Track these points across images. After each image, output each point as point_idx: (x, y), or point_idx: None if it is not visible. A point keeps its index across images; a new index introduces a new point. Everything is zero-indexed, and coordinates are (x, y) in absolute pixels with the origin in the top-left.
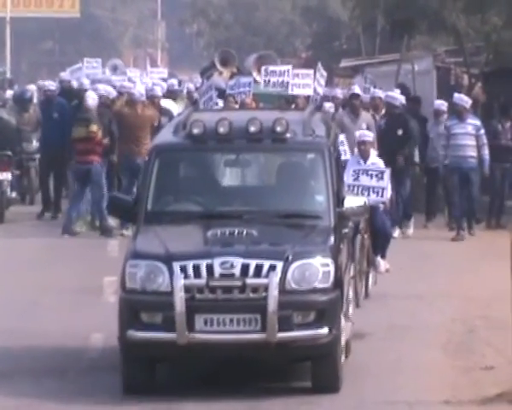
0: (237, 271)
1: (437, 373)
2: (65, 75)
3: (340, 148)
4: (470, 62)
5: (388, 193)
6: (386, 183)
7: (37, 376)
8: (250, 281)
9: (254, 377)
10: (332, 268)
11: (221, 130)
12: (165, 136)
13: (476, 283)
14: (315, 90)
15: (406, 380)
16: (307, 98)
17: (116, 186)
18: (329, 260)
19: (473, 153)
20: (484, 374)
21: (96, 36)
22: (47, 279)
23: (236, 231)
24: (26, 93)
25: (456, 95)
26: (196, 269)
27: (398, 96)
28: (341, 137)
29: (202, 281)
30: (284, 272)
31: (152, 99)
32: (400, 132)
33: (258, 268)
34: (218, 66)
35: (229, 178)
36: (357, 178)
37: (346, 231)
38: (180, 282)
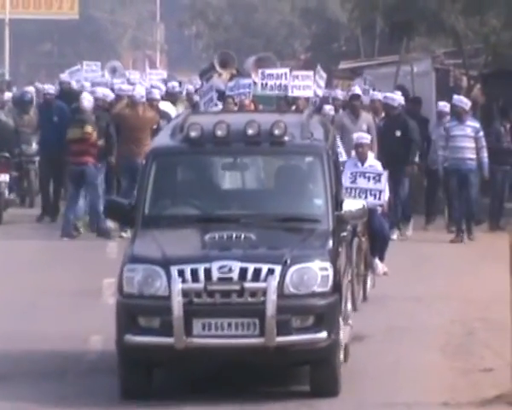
0: (235, 275)
1: (436, 375)
2: (64, 77)
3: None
4: (469, 64)
5: (386, 195)
6: (384, 185)
7: (36, 378)
8: (248, 285)
9: (253, 381)
10: (331, 272)
11: (219, 133)
12: (163, 139)
13: (475, 285)
14: (314, 92)
15: (405, 382)
16: (308, 100)
17: (116, 188)
18: (328, 264)
19: (471, 155)
20: (483, 376)
21: (95, 38)
22: (46, 281)
23: (234, 235)
24: (26, 95)
25: (455, 97)
26: (194, 273)
27: (396, 97)
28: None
29: (200, 285)
30: (283, 276)
31: (150, 102)
32: (399, 134)
33: (257, 272)
34: (218, 68)
35: (226, 181)
36: (354, 181)
37: (344, 234)
38: (178, 286)
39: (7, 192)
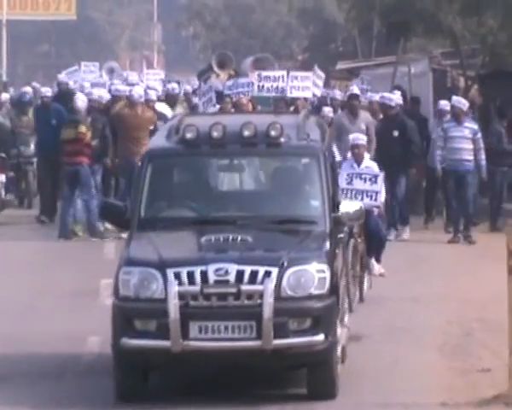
0: (232, 277)
1: (433, 376)
2: (62, 77)
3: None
4: (466, 64)
5: (382, 197)
6: (380, 186)
7: (33, 379)
8: (245, 288)
9: (250, 384)
10: (328, 274)
11: (215, 134)
12: (158, 141)
13: (473, 285)
14: (312, 93)
15: (403, 382)
16: (306, 100)
17: (114, 189)
18: (325, 266)
19: (469, 156)
20: (480, 376)
21: (93, 38)
22: (43, 282)
23: (231, 237)
24: (24, 96)
25: (454, 97)
26: (190, 276)
27: (393, 97)
28: None
29: (196, 288)
30: (279, 279)
31: (147, 103)
32: (396, 134)
33: (253, 275)
34: (216, 68)
35: (223, 183)
36: (350, 182)
37: (341, 236)
38: (174, 289)
39: (3, 193)
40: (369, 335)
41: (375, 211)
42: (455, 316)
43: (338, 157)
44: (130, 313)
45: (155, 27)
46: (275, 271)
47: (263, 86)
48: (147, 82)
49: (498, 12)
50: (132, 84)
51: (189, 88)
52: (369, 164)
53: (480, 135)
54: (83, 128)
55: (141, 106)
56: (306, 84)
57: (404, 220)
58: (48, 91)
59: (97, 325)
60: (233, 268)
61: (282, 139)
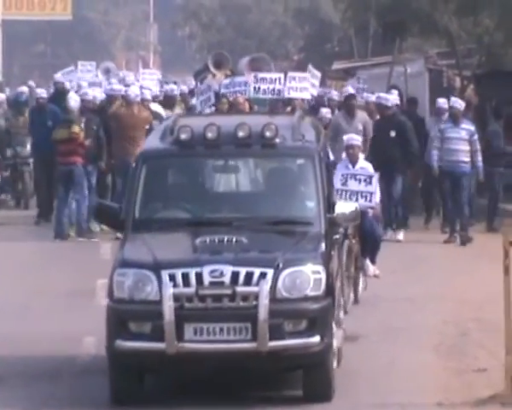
0: (227, 279)
1: (430, 376)
2: (58, 77)
3: None
4: (462, 64)
5: (377, 197)
6: (375, 187)
7: (29, 380)
8: (240, 289)
9: (245, 386)
10: (323, 276)
11: (209, 135)
12: (153, 142)
13: (469, 285)
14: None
15: (399, 383)
16: (304, 100)
17: (111, 189)
18: (321, 268)
19: (465, 158)
20: (477, 376)
21: (89, 39)
22: (40, 283)
23: (226, 239)
24: (21, 96)
25: (453, 98)
26: (185, 277)
27: (389, 97)
28: None
29: (191, 290)
30: (275, 280)
31: (142, 102)
32: (393, 134)
33: (249, 276)
34: (212, 68)
35: (217, 184)
36: (345, 183)
37: (337, 237)
38: (169, 290)
39: None
40: (365, 335)
41: (370, 212)
42: (451, 316)
43: (331, 157)
44: (125, 315)
45: (151, 27)
46: (270, 272)
47: (259, 88)
48: (142, 82)
49: (494, 12)
50: (128, 85)
51: (184, 88)
52: (363, 165)
53: (476, 137)
54: (76, 128)
55: (137, 105)
56: (304, 85)
57: (401, 222)
58: (43, 92)
59: (93, 325)
60: (228, 270)
61: (277, 140)
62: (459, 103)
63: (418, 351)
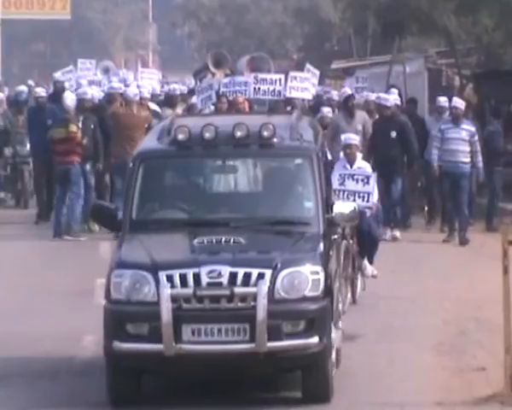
0: (225, 280)
1: (429, 375)
2: (58, 76)
3: None
4: (461, 64)
5: (374, 198)
6: (372, 187)
7: (28, 379)
8: (238, 290)
9: (244, 387)
10: (322, 276)
11: (206, 135)
12: (149, 142)
13: (468, 285)
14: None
15: (398, 382)
16: (304, 99)
17: (110, 188)
18: (319, 268)
19: (465, 158)
20: (476, 375)
21: (88, 38)
22: (39, 282)
23: (224, 239)
24: (20, 95)
25: (454, 98)
26: (183, 278)
27: (389, 97)
28: None
29: (189, 290)
30: (273, 281)
31: (140, 101)
32: (394, 134)
33: (247, 277)
34: (211, 67)
35: (215, 184)
36: (342, 183)
37: (335, 237)
38: (166, 291)
39: None
40: (364, 334)
41: (368, 212)
42: (450, 315)
43: (328, 156)
44: (122, 317)
45: (150, 27)
46: (268, 273)
47: (259, 89)
48: (140, 81)
49: (494, 11)
50: (129, 85)
51: (184, 89)
52: (361, 164)
53: (477, 137)
54: (73, 127)
55: (136, 105)
56: (305, 86)
57: (402, 222)
58: (42, 91)
59: (93, 324)
60: (226, 270)
61: (275, 140)
62: (460, 103)
63: (417, 350)
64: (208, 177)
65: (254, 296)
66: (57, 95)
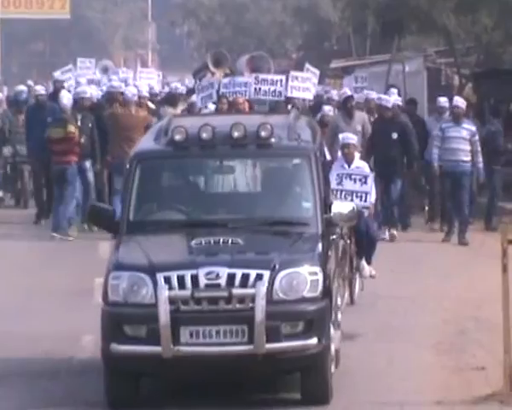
0: (223, 281)
1: (428, 374)
2: (58, 76)
3: None
4: (461, 63)
5: (372, 198)
6: (370, 187)
7: (27, 379)
8: (236, 291)
9: (242, 389)
10: (320, 277)
11: (204, 136)
12: (146, 143)
13: (467, 284)
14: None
15: (398, 381)
16: (304, 99)
17: (108, 189)
18: (318, 269)
19: (466, 158)
20: (475, 375)
21: (87, 37)
22: (38, 282)
23: (221, 240)
24: (20, 95)
25: (456, 97)
26: (181, 280)
27: (390, 99)
28: None
29: (187, 292)
30: (271, 282)
31: (139, 100)
32: (395, 136)
33: (245, 278)
34: (211, 67)
35: (213, 185)
36: (340, 183)
37: (333, 237)
38: (164, 293)
39: None
40: (363, 334)
41: (366, 212)
42: (449, 315)
43: (327, 156)
44: (120, 319)
45: (149, 26)
46: (266, 274)
47: (260, 89)
48: (139, 81)
49: (493, 10)
50: (128, 84)
51: (182, 89)
52: (359, 164)
53: (477, 137)
54: (72, 128)
55: (134, 105)
56: (307, 85)
57: (402, 222)
58: (42, 89)
59: (92, 324)
60: (224, 272)
61: (273, 140)
62: (462, 102)
63: (417, 350)
64: (206, 177)
65: (253, 298)
66: (57, 94)
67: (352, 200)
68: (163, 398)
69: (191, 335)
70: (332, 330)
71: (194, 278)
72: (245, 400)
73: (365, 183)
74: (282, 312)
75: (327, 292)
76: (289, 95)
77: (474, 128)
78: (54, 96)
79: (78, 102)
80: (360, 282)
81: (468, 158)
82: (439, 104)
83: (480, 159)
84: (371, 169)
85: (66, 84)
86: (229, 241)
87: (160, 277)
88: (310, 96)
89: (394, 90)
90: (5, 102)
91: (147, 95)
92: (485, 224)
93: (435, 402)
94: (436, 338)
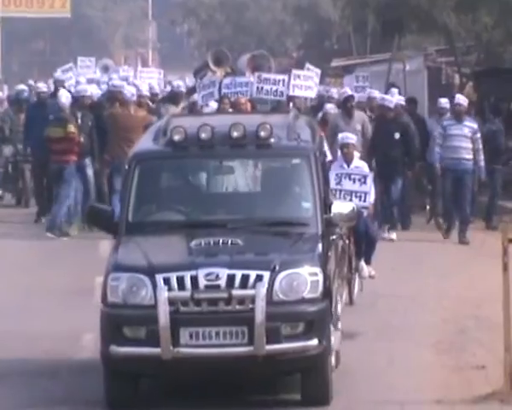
0: (223, 282)
1: (428, 373)
2: (58, 75)
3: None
4: (461, 62)
5: (371, 198)
6: (370, 187)
7: (28, 378)
8: (236, 292)
9: (242, 390)
10: (320, 277)
11: (203, 136)
12: (145, 143)
13: (467, 283)
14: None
15: (398, 380)
16: (305, 98)
17: (108, 188)
18: (318, 269)
19: (468, 155)
20: (475, 373)
21: (88, 36)
22: (38, 281)
23: (221, 241)
24: (22, 93)
25: (457, 95)
26: (180, 281)
27: (392, 99)
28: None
29: (187, 293)
30: (271, 283)
31: (139, 98)
32: (398, 136)
33: (245, 279)
34: (212, 65)
35: (212, 185)
36: (339, 182)
37: (333, 237)
38: (164, 294)
39: None
40: (363, 333)
41: (365, 212)
42: (450, 314)
43: (329, 156)
44: (119, 320)
45: (150, 25)
46: (266, 275)
47: (262, 88)
48: (139, 81)
49: (493, 9)
50: (130, 83)
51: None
52: (358, 164)
53: (479, 135)
54: (72, 128)
55: (133, 105)
56: (309, 84)
57: (403, 222)
58: (44, 87)
59: (92, 323)
60: (224, 273)
61: (272, 140)
62: (463, 100)
63: (417, 349)
64: (205, 178)
65: (252, 299)
66: (57, 94)
67: (351, 200)
68: (162, 399)
69: (191, 336)
70: (332, 330)
71: (194, 279)
72: (245, 401)
73: (364, 183)
74: (282, 313)
75: (327, 293)
76: (291, 93)
77: (475, 126)
78: (54, 95)
79: (78, 100)
80: (359, 282)
81: (470, 156)
82: (440, 105)
83: (482, 157)
84: (372, 169)
85: (66, 84)
86: (229, 241)
87: (160, 278)
88: (312, 94)
89: (395, 90)
90: (6, 101)
91: (147, 94)
92: (485, 223)
93: (435, 401)
94: (436, 337)
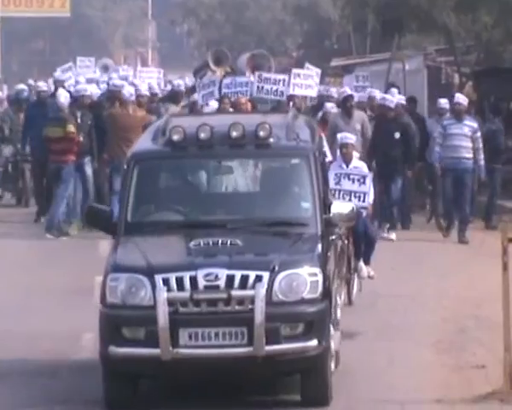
0: (222, 283)
1: (429, 372)
2: (58, 75)
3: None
4: (461, 61)
5: (370, 198)
6: (369, 187)
7: (28, 377)
8: (235, 293)
9: (242, 391)
10: (320, 278)
11: (202, 136)
12: (144, 143)
13: (467, 282)
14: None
15: (398, 380)
16: (305, 98)
17: (108, 188)
18: (317, 270)
19: (468, 154)
20: (475, 373)
21: (87, 35)
22: (38, 280)
23: (220, 241)
24: (22, 93)
25: (457, 94)
26: (179, 281)
27: (393, 99)
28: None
29: (186, 294)
30: (271, 283)
31: (138, 98)
32: (398, 136)
33: (244, 279)
34: (212, 65)
35: (211, 185)
36: (338, 182)
37: (333, 238)
38: (163, 295)
39: None
40: (363, 332)
41: (364, 212)
42: (450, 313)
43: (329, 156)
44: (118, 321)
45: (149, 24)
46: (266, 275)
47: (262, 87)
48: (138, 80)
49: (493, 9)
50: (130, 83)
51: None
52: (357, 164)
53: (479, 134)
54: (71, 128)
55: (132, 105)
56: (309, 83)
57: (403, 222)
58: (44, 86)
59: (92, 322)
60: (223, 273)
61: (271, 140)
62: (463, 99)
63: (417, 348)
64: (204, 178)
65: (252, 299)
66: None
67: (350, 200)
68: (161, 399)
69: (190, 337)
70: (332, 331)
71: (193, 280)
72: (245, 401)
73: (363, 183)
74: (282, 313)
75: (327, 293)
76: (292, 92)
77: (475, 125)
78: (54, 95)
79: (77, 99)
80: (358, 283)
81: (470, 155)
82: (440, 106)
83: (482, 156)
84: (371, 169)
85: (66, 84)
86: (228, 242)
87: (159, 278)
88: (313, 93)
89: (395, 90)
90: (6, 101)
91: (146, 93)
92: (485, 222)
93: (435, 401)
94: (436, 337)
